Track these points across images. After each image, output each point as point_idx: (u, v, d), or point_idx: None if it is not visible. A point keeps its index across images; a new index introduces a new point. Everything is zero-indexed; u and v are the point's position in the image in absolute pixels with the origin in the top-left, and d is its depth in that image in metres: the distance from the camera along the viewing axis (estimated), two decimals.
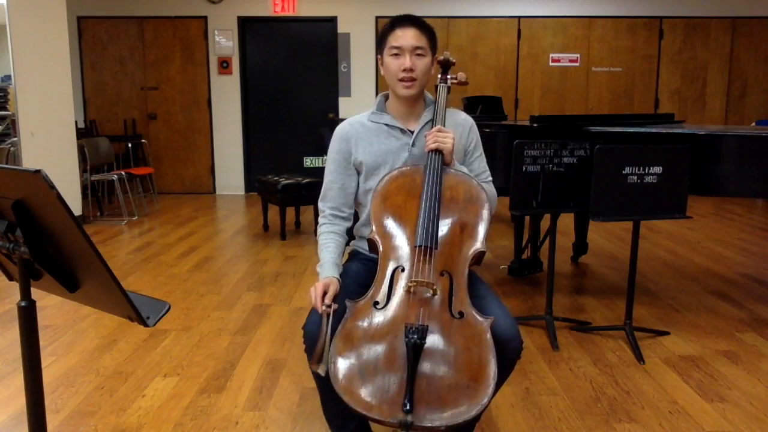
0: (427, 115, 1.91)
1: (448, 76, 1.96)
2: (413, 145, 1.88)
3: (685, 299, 3.64)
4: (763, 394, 2.47)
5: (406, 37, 1.80)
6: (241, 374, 2.66)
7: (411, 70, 1.80)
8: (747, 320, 3.29)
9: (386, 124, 1.91)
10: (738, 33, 7.69)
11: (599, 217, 2.73)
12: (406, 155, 1.87)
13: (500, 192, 3.11)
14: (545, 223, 3.65)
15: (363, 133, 1.92)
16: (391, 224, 1.74)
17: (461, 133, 1.94)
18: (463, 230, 1.72)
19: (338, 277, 1.75)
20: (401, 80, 1.82)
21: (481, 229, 1.73)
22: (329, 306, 1.61)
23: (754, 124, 7.54)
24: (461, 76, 1.99)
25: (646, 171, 2.69)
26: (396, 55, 1.82)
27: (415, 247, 1.67)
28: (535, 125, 3.43)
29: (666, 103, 7.82)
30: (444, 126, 1.84)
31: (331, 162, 1.94)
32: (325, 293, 1.65)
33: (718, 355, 2.84)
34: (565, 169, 2.86)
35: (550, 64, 7.79)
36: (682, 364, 2.74)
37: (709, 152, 2.91)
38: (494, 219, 6.21)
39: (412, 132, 1.90)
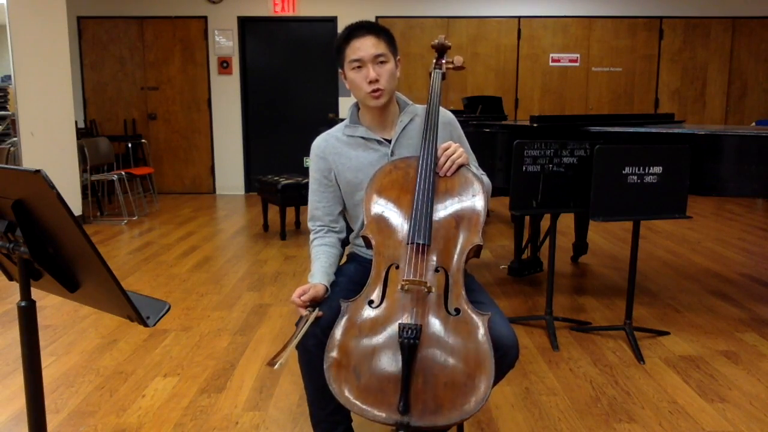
0: (404, 119, 1.85)
1: (443, 61, 1.86)
2: (392, 154, 1.83)
3: (685, 299, 3.64)
4: (763, 394, 2.47)
5: (364, 46, 1.74)
6: (241, 374, 2.66)
7: (376, 80, 1.74)
8: (747, 320, 3.29)
9: (362, 137, 1.85)
10: (738, 33, 7.69)
11: (599, 217, 2.73)
12: None
13: (500, 192, 3.12)
14: (545, 223, 3.65)
15: (339, 148, 1.86)
16: (384, 220, 1.69)
17: (446, 130, 1.88)
18: (458, 224, 1.66)
19: (326, 284, 1.72)
20: (369, 93, 1.76)
21: (478, 222, 1.66)
22: (307, 306, 1.60)
23: (754, 124, 7.53)
24: (458, 60, 1.87)
25: (646, 171, 2.69)
26: (358, 68, 1.75)
27: (409, 244, 1.62)
28: (535, 125, 3.43)
29: (666, 103, 7.82)
30: (436, 122, 1.77)
31: (313, 182, 1.90)
32: (304, 293, 1.64)
33: (718, 355, 2.84)
34: (565, 169, 2.86)
35: (550, 64, 7.79)
36: (682, 364, 2.74)
37: (709, 152, 2.91)
38: (494, 219, 6.21)
39: (389, 141, 1.84)
